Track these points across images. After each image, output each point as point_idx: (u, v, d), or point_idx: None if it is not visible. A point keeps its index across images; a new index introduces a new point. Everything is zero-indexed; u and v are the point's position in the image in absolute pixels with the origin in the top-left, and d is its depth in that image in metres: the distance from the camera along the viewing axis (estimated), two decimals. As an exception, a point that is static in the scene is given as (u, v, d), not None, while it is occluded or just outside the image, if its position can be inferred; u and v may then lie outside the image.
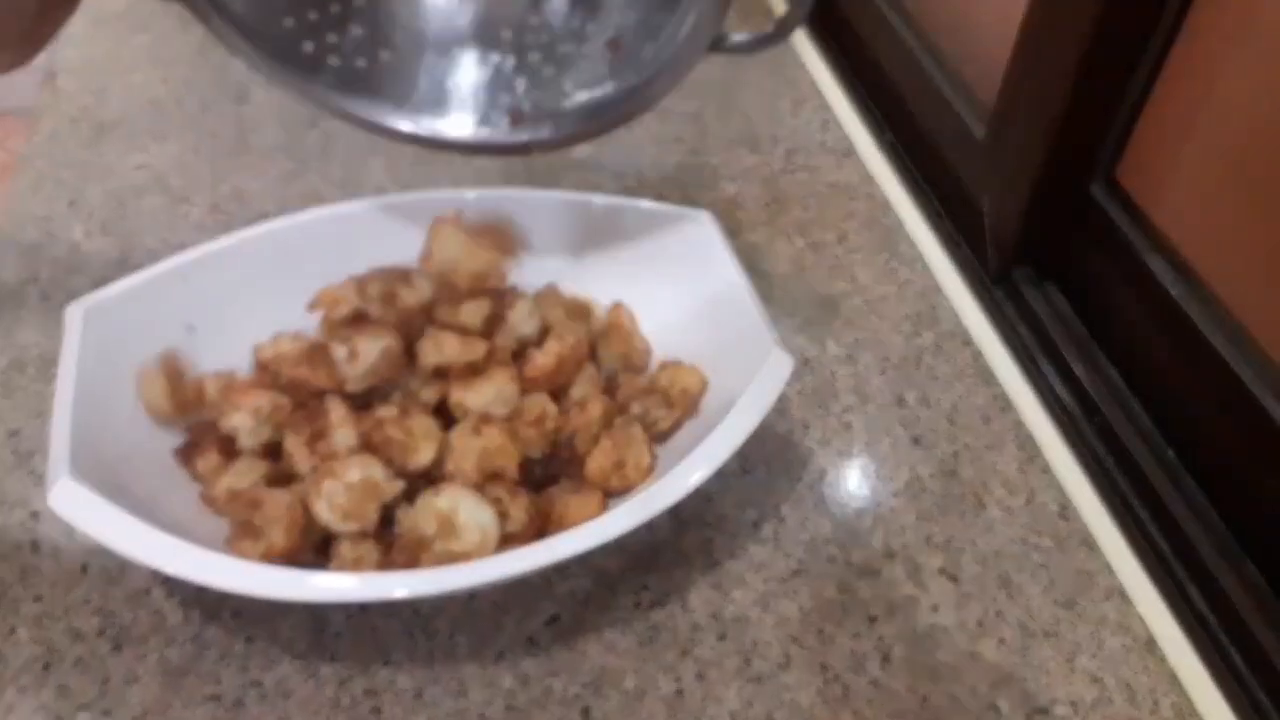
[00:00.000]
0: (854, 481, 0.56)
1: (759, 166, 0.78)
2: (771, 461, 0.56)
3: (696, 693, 0.46)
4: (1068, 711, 0.46)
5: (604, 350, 0.55)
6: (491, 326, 0.52)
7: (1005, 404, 0.60)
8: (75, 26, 0.86)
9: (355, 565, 0.45)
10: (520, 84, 0.43)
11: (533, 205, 0.58)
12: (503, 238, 0.53)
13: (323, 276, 0.53)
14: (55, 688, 0.45)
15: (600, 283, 0.57)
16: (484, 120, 0.41)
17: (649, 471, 0.50)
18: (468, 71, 0.38)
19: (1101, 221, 0.59)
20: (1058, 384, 0.59)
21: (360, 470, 0.45)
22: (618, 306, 0.56)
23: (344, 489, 0.45)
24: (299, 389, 0.49)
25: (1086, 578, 0.52)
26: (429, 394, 0.50)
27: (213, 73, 0.82)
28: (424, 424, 0.47)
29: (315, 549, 0.46)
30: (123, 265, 0.65)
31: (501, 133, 0.39)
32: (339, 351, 0.48)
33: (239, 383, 0.50)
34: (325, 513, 0.44)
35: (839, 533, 0.53)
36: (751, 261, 0.69)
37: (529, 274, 0.56)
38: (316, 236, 0.55)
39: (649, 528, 0.45)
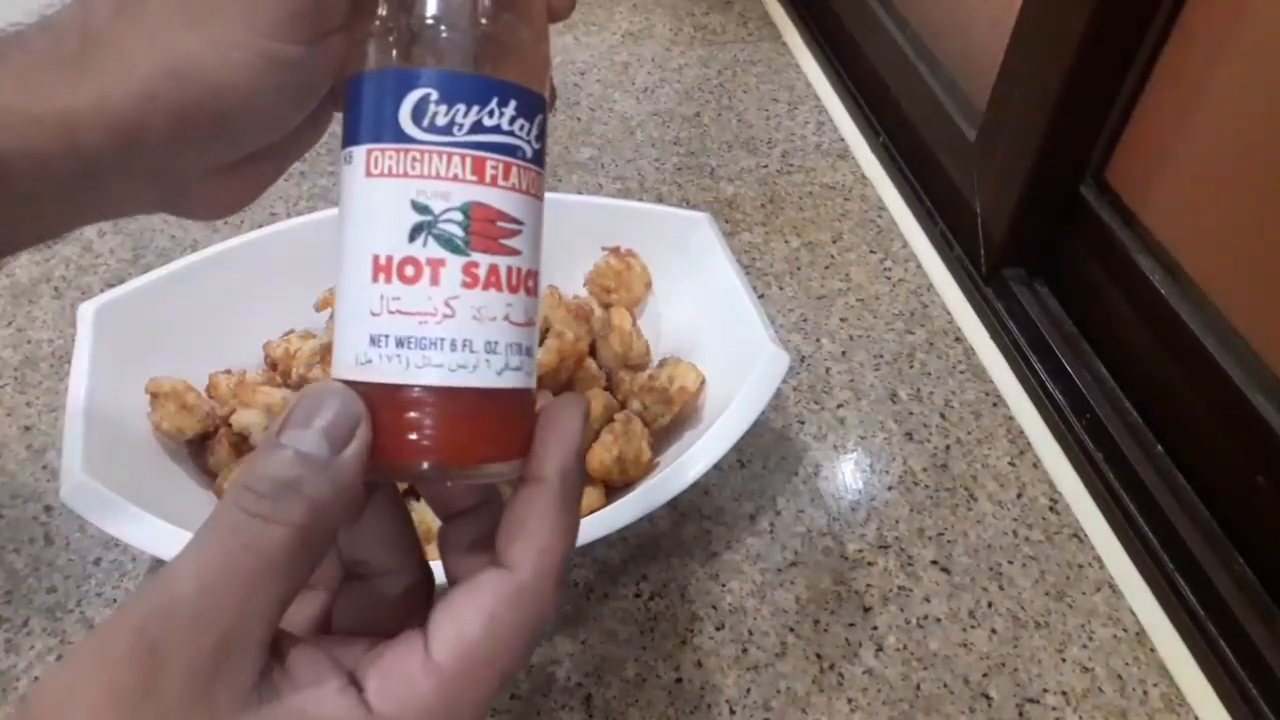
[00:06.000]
0: (848, 475, 0.57)
1: (756, 168, 0.79)
2: (768, 456, 0.57)
3: (695, 681, 0.47)
4: (1058, 701, 0.47)
5: (604, 348, 0.56)
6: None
7: (996, 399, 0.62)
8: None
9: (363, 557, 0.46)
10: None
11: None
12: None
13: (331, 275, 0.54)
14: (70, 677, 0.46)
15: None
16: None
17: (649, 466, 0.51)
18: None
19: (1091, 222, 0.60)
20: (1048, 380, 0.60)
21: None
22: (618, 306, 0.57)
23: (352, 482, 0.45)
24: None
25: (1076, 570, 0.53)
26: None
27: (218, 76, 0.83)
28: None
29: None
30: (135, 264, 0.66)
31: None
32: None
33: (250, 380, 0.51)
34: (334, 505, 0.45)
35: (834, 525, 0.54)
36: (748, 261, 0.70)
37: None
38: (326, 235, 0.56)
39: (649, 520, 0.46)
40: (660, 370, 0.53)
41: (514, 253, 0.24)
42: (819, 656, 0.48)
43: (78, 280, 0.64)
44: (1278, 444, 0.47)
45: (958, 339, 0.65)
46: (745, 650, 0.48)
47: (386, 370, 0.23)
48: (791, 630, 0.49)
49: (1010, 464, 0.58)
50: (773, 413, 0.60)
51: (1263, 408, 0.48)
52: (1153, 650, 0.49)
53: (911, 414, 0.60)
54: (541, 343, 0.53)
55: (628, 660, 0.48)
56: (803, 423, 0.60)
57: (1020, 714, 0.47)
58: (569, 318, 0.54)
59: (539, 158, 0.25)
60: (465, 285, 0.23)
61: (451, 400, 0.23)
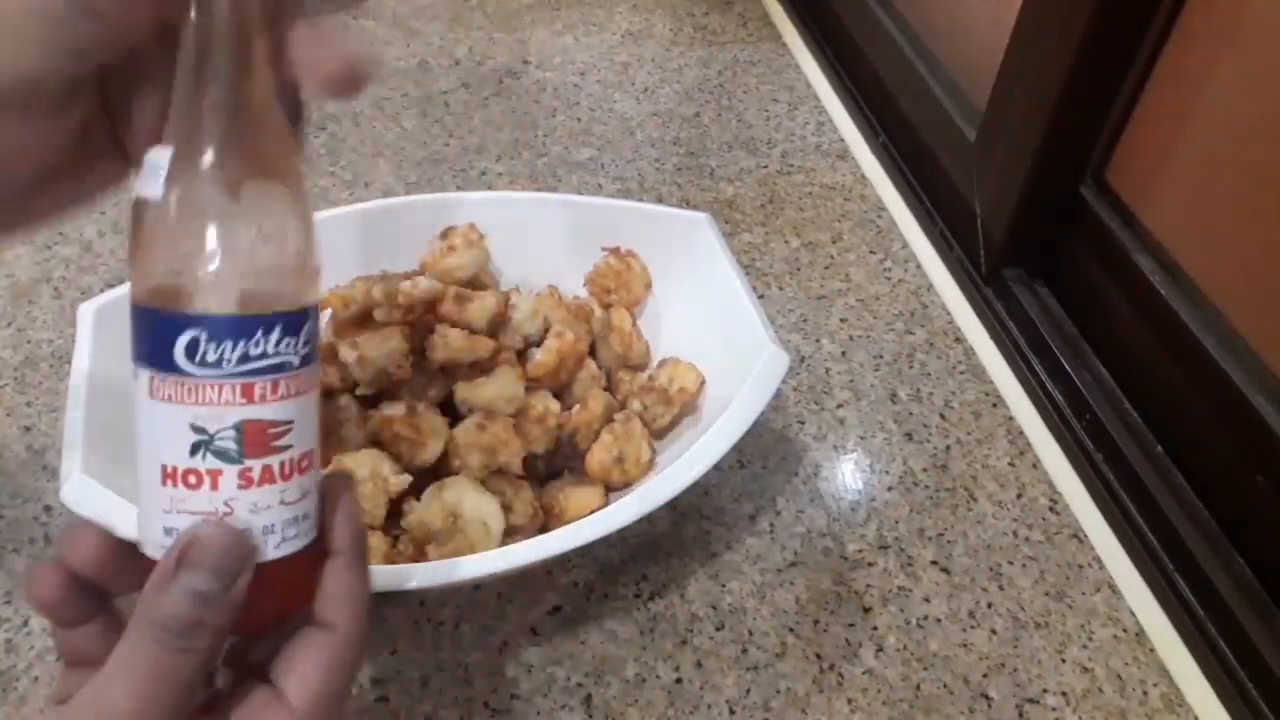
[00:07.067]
0: (848, 475, 0.57)
1: (755, 168, 0.79)
2: (768, 456, 0.58)
3: (695, 681, 0.47)
4: (1058, 701, 0.47)
5: (604, 349, 0.56)
6: (496, 327, 0.53)
7: (996, 400, 0.62)
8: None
9: (363, 557, 0.46)
10: None
11: (535, 207, 0.60)
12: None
13: (331, 277, 0.54)
14: (70, 677, 0.46)
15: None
16: None
17: (649, 466, 0.51)
18: None
19: (1091, 222, 0.60)
20: (1048, 380, 0.60)
21: (368, 466, 0.46)
22: (618, 307, 0.57)
23: (352, 483, 0.46)
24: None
25: (1076, 570, 0.53)
26: (436, 391, 0.51)
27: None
28: (431, 421, 0.48)
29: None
30: (133, 265, 0.66)
31: None
32: (348, 356, 0.48)
33: (248, 380, 0.51)
34: (334, 506, 0.45)
35: (834, 525, 0.54)
36: (748, 261, 0.70)
37: (531, 276, 0.57)
38: (324, 237, 0.56)
39: (648, 520, 0.46)
40: (660, 371, 0.53)
41: (285, 449, 0.28)
42: (819, 657, 0.48)
43: (78, 280, 0.64)
44: (1277, 444, 0.47)
45: (957, 339, 0.65)
46: (745, 650, 0.49)
47: None
48: (791, 630, 0.49)
49: (1010, 464, 0.58)
50: (772, 413, 0.60)
51: (1263, 408, 0.48)
52: (1152, 650, 0.49)
53: (911, 414, 0.60)
54: (541, 343, 0.53)
55: (627, 660, 0.48)
56: (802, 423, 0.60)
57: (1020, 714, 0.47)
58: (569, 318, 0.54)
59: (309, 358, 0.29)
60: (241, 487, 0.27)
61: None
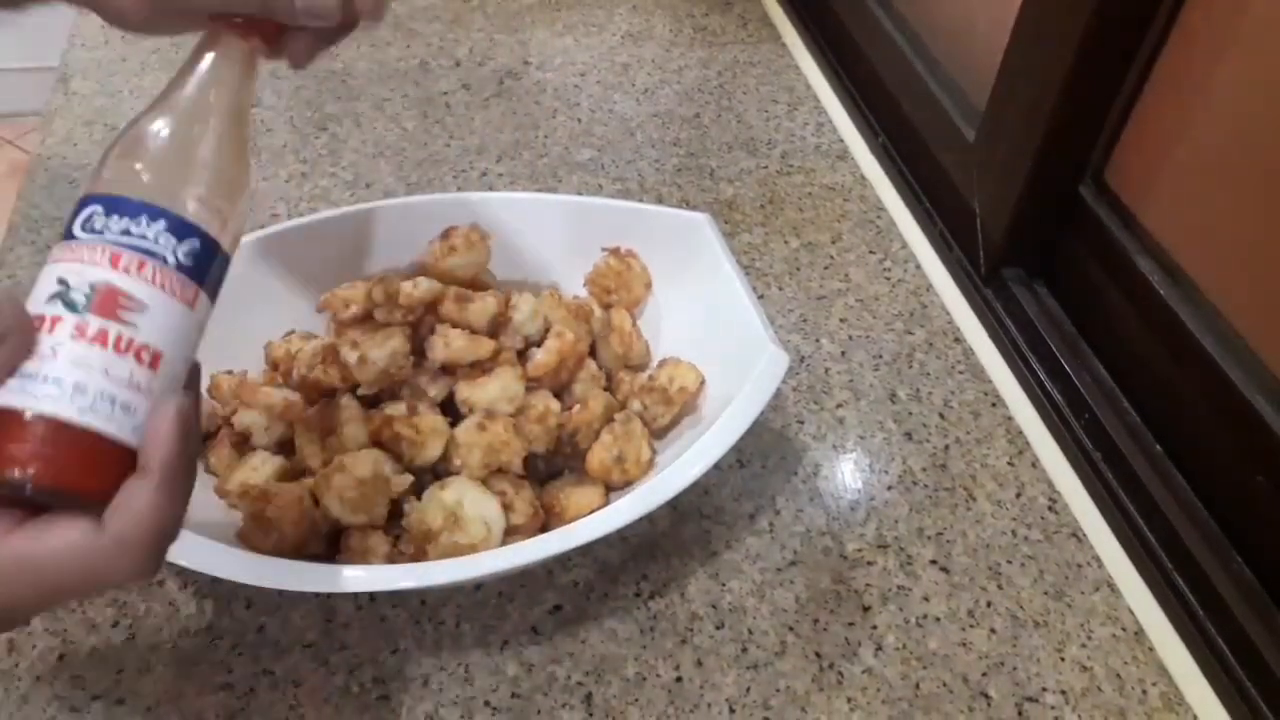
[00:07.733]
0: (848, 475, 0.57)
1: (755, 169, 0.79)
2: (768, 455, 0.58)
3: (695, 679, 0.47)
4: (1058, 700, 0.47)
5: (604, 349, 0.56)
6: (496, 327, 0.53)
7: (995, 400, 0.62)
8: (88, 30, 0.87)
9: (364, 557, 0.46)
10: None
11: (536, 208, 0.60)
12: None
13: (332, 277, 0.54)
14: (69, 678, 0.46)
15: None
16: None
17: (649, 466, 0.51)
18: None
19: (1090, 222, 0.60)
20: (1047, 380, 0.60)
21: (369, 465, 0.46)
22: (618, 307, 0.57)
23: (354, 483, 0.46)
24: (311, 387, 0.50)
25: (1075, 569, 0.53)
26: (436, 391, 0.51)
27: (219, 77, 0.83)
28: (432, 420, 0.48)
29: (325, 541, 0.47)
30: (134, 266, 0.66)
31: None
32: (349, 356, 0.49)
33: (251, 381, 0.52)
34: (335, 506, 0.46)
35: (833, 524, 0.54)
36: (748, 261, 0.70)
37: (532, 276, 0.57)
38: (326, 237, 0.56)
39: (649, 520, 0.46)
40: (660, 370, 0.54)
41: (129, 325, 0.31)
42: (818, 655, 0.49)
43: (79, 281, 0.64)
44: (1277, 444, 0.47)
45: (957, 339, 0.66)
46: (745, 649, 0.49)
47: (3, 394, 0.30)
48: (791, 629, 0.50)
49: (1009, 464, 0.58)
50: (772, 413, 0.60)
51: (1262, 408, 0.48)
52: (1151, 649, 0.50)
53: (911, 414, 0.61)
54: (541, 343, 0.53)
55: (628, 659, 0.48)
56: (802, 423, 0.60)
57: (1019, 713, 0.47)
58: (569, 318, 0.54)
59: (192, 272, 0.33)
60: (73, 337, 0.30)
61: (40, 425, 0.29)
